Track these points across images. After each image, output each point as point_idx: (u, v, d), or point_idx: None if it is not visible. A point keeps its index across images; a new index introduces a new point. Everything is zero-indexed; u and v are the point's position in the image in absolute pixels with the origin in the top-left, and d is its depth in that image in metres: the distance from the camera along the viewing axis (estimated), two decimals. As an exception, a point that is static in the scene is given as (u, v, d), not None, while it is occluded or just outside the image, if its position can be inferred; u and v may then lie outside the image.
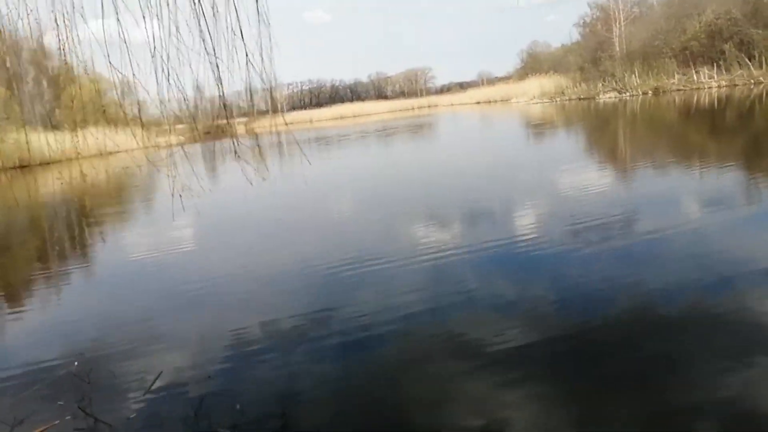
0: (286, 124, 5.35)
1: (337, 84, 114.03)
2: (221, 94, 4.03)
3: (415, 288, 5.34)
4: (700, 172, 10.03)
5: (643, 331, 3.98)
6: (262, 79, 4.02)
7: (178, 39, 3.65)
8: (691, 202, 7.85)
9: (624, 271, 5.21)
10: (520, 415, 3.17)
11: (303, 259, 6.88)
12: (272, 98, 4.69)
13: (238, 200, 12.43)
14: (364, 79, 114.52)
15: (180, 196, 4.69)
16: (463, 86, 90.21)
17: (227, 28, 3.84)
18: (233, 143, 4.61)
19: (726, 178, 9.08)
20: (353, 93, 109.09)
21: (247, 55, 3.83)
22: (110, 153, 32.46)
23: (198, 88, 4.42)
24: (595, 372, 3.53)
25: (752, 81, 32.79)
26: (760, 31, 33.58)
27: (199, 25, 3.69)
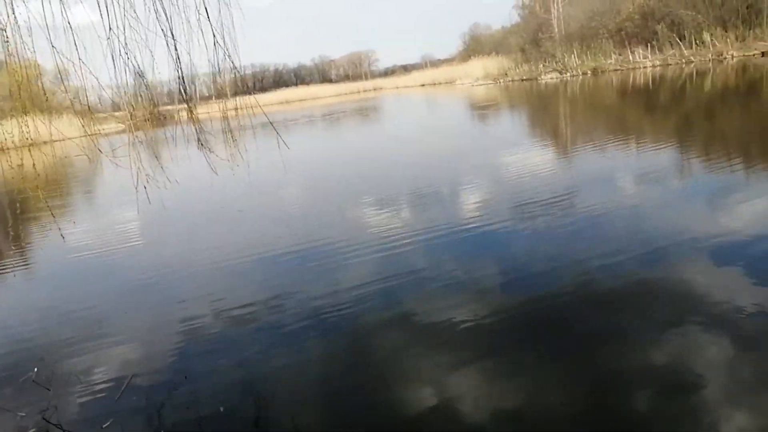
0: (237, 109, 5.25)
1: (280, 68, 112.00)
2: (180, 76, 3.91)
3: (367, 272, 5.44)
4: (637, 150, 10.54)
5: (585, 305, 4.22)
6: (232, 63, 3.93)
7: (131, 20, 3.52)
8: (629, 179, 8.27)
9: (567, 248, 5.48)
10: (470, 389, 3.32)
11: (256, 247, 6.85)
12: (242, 81, 4.64)
13: (197, 189, 12.12)
14: (308, 62, 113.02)
15: (144, 187, 4.54)
16: (407, 69, 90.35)
17: (184, 11, 3.73)
18: (195, 130, 4.50)
19: (661, 156, 9.60)
20: (297, 77, 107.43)
21: (215, 36, 3.74)
22: (50, 141, 30.74)
23: (138, 74, 4.28)
24: (541, 346, 3.74)
25: (683, 60, 34.47)
26: (690, 12, 35.25)
27: (155, 5, 3.57)
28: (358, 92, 76.01)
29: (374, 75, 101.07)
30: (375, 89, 77.37)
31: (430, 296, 4.75)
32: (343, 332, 4.29)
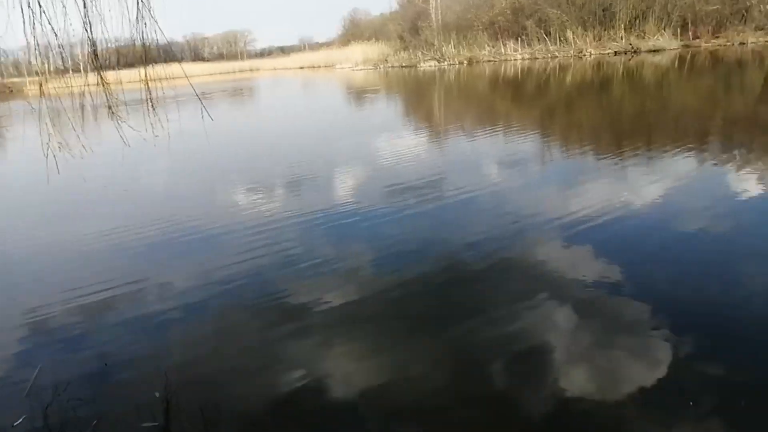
0: (104, 84, 4.81)
1: (147, 43, 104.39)
2: (90, 40, 3.46)
3: (240, 254, 5.32)
4: (503, 136, 11.30)
5: (450, 282, 4.49)
6: (90, 34, 3.54)
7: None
8: (493, 164, 8.84)
9: (434, 230, 5.78)
10: (338, 367, 3.41)
11: (113, 230, 6.39)
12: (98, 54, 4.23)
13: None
14: (179, 39, 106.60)
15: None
16: (284, 51, 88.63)
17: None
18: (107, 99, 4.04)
19: (524, 142, 10.37)
20: (167, 54, 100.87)
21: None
22: None
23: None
24: (407, 322, 3.92)
25: (549, 55, 37.44)
26: (555, 11, 38.30)
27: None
28: (233, 72, 73.22)
29: (250, 56, 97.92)
30: (251, 70, 74.96)
31: (300, 277, 4.76)
32: (208, 316, 4.17)
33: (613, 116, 13.66)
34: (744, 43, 32.01)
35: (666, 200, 6.18)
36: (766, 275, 4.19)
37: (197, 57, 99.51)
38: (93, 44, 4.03)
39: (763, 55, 25.73)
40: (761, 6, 32.57)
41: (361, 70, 48.11)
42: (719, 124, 11.15)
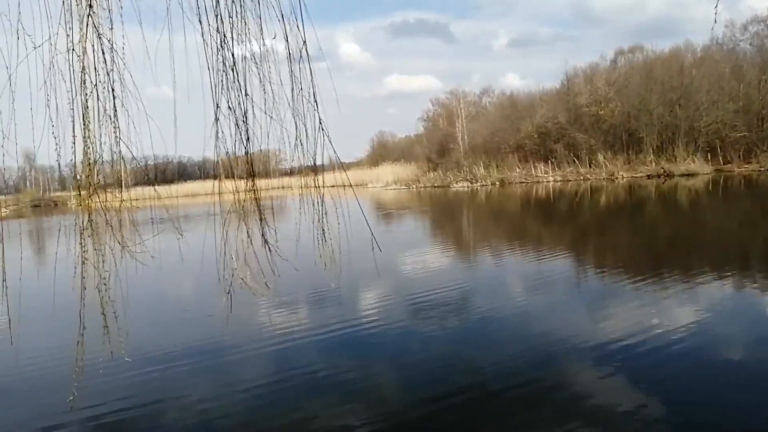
0: (131, 200, 5.19)
1: (185, 161, 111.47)
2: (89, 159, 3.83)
3: (270, 369, 5.35)
4: (533, 257, 11.38)
5: (476, 407, 4.41)
6: (131, 153, 3.91)
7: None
8: (522, 285, 8.87)
9: (461, 350, 5.75)
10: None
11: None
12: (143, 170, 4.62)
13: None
14: (214, 157, 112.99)
15: None
16: (313, 169, 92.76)
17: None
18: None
19: (557, 263, 10.43)
20: (201, 171, 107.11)
21: (116, 127, 3.74)
22: None
23: (29, 157, 4.21)
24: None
25: (581, 177, 38.36)
26: (583, 135, 39.85)
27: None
28: (266, 189, 76.48)
29: (281, 173, 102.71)
30: (282, 187, 78.23)
31: (326, 397, 4.75)
32: None
33: (649, 239, 13.70)
34: (778, 169, 32.37)
35: (701, 328, 6.06)
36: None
37: (228, 174, 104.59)
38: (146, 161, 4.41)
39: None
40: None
41: (393, 189, 49.79)
42: (759, 249, 11.07)
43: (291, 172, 4.25)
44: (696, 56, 40.50)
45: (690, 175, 33.80)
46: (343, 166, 3.83)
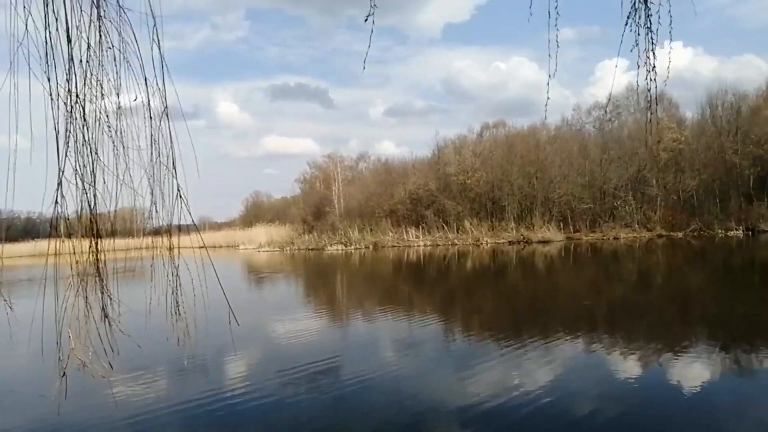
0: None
1: (34, 217, 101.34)
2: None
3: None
4: (404, 320, 11.64)
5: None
6: None
7: None
8: (392, 348, 9.00)
9: (334, 419, 5.65)
10: None
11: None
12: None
13: None
14: (71, 214, 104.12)
15: None
16: (181, 229, 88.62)
17: None
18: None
19: (426, 326, 10.73)
20: (54, 228, 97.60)
21: None
22: None
23: None
24: None
25: (449, 242, 40.39)
26: (451, 202, 42.33)
27: None
28: (128, 249, 71.51)
29: (147, 233, 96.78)
30: (146, 248, 73.59)
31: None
32: None
33: (510, 302, 14.62)
34: (617, 238, 36.51)
35: (556, 385, 6.52)
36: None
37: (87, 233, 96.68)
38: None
39: (633, 249, 29.35)
40: (626, 206, 37.96)
41: (266, 251, 48.84)
42: (603, 311, 12.25)
43: (157, 232, 3.98)
44: (550, 134, 45.35)
45: (546, 242, 36.98)
46: (197, 229, 3.61)
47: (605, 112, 45.10)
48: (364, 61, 2.91)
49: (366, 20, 2.72)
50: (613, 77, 3.30)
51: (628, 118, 43.09)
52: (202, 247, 3.71)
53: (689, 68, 70.77)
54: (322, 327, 11.55)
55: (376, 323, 11.55)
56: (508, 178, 41.44)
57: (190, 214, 3.23)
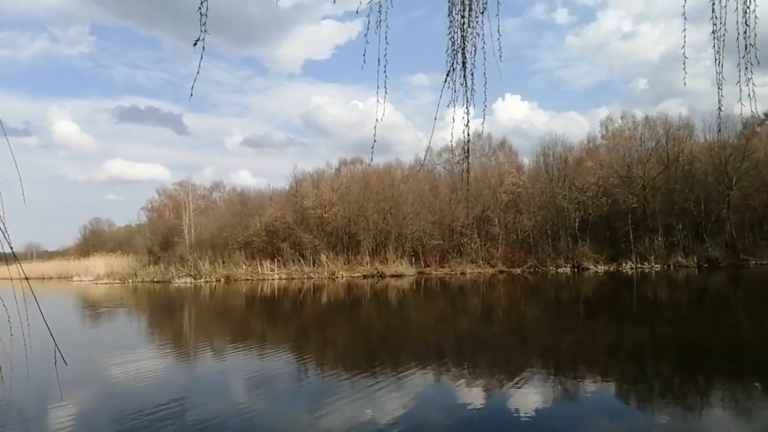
0: None
1: None
2: None
3: None
4: (256, 356, 11.29)
5: None
6: None
7: None
8: (246, 385, 8.68)
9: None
10: None
11: None
12: None
13: None
14: None
15: None
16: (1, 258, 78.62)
17: None
18: None
19: (277, 361, 10.49)
20: None
21: None
22: None
23: None
24: None
25: (305, 275, 40.13)
26: (308, 235, 42.25)
27: None
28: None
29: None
30: (-43, 279, 63.93)
31: None
32: None
33: (364, 335, 14.83)
34: (464, 273, 38.87)
35: (408, 415, 6.71)
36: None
37: None
38: None
39: (478, 283, 31.43)
40: (472, 244, 40.70)
41: (105, 283, 44.82)
42: (451, 343, 12.90)
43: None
44: (404, 172, 47.37)
45: (398, 276, 38.21)
46: (16, 259, 3.24)
47: (454, 154, 48.23)
48: (192, 88, 2.83)
49: (195, 44, 2.67)
50: (452, 127, 3.57)
51: (475, 162, 46.51)
52: (24, 278, 3.29)
53: (526, 120, 78.80)
54: (167, 367, 10.80)
55: (226, 361, 11.07)
56: (364, 213, 42.44)
57: (8, 241, 2.86)
